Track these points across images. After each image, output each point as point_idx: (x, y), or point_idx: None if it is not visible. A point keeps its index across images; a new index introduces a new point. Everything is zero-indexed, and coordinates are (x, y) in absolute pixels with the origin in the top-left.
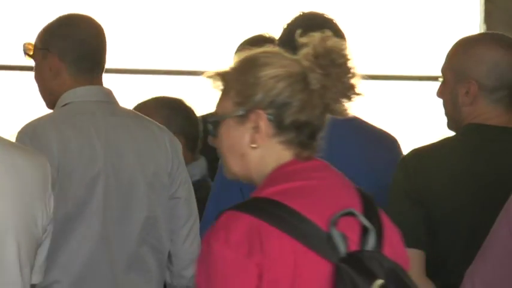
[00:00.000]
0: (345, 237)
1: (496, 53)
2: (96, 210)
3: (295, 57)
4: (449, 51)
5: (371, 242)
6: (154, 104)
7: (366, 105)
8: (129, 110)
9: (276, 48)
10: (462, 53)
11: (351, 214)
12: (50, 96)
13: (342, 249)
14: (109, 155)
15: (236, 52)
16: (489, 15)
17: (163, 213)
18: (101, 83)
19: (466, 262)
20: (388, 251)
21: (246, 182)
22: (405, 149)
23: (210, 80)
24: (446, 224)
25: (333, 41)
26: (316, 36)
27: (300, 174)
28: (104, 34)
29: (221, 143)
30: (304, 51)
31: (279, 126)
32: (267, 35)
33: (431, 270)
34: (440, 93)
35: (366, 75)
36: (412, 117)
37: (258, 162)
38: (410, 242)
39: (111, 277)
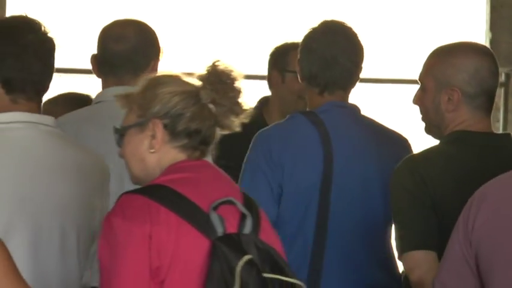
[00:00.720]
0: (222, 220)
1: (475, 60)
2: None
3: (190, 79)
4: (427, 60)
5: (248, 227)
6: (62, 100)
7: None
8: None
9: (176, 73)
10: (442, 61)
11: (231, 203)
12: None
13: (219, 229)
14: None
15: (270, 55)
16: (494, 24)
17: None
18: (130, 84)
19: None
20: (263, 237)
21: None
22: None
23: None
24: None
25: (223, 65)
26: (211, 62)
27: (188, 168)
28: (138, 39)
29: (125, 151)
30: (198, 74)
31: (173, 133)
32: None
33: None
34: (419, 100)
35: (388, 79)
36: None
37: (156, 165)
38: (425, 244)
39: None
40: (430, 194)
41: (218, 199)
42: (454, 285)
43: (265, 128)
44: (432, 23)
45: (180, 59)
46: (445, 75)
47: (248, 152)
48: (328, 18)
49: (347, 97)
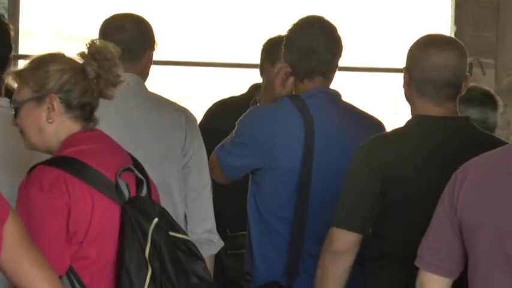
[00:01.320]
0: (128, 186)
1: (425, 51)
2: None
3: (73, 56)
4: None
5: (144, 191)
6: None
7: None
8: (155, 94)
9: (59, 51)
10: (409, 54)
11: (129, 169)
12: None
13: (126, 194)
14: (126, 131)
15: (262, 48)
16: (459, 19)
17: (177, 180)
18: (133, 72)
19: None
20: (154, 197)
21: (44, 152)
22: None
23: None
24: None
25: (101, 42)
26: (88, 39)
27: (86, 140)
28: (137, 29)
29: (22, 123)
30: (79, 51)
31: (68, 106)
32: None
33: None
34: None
35: (358, 68)
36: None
37: (54, 134)
38: (350, 224)
39: None
40: (379, 176)
41: (120, 167)
42: (441, 249)
43: (254, 107)
44: (402, 17)
45: (175, 49)
46: (407, 63)
47: (237, 126)
48: (309, 14)
49: (328, 83)
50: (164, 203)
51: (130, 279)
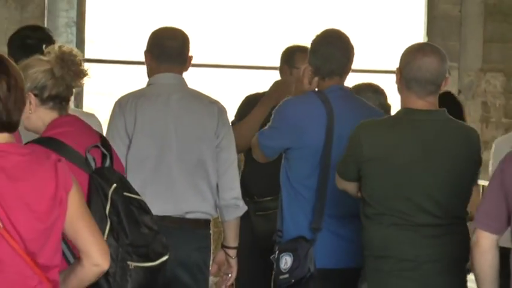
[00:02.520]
0: (94, 159)
1: (414, 55)
2: (167, 152)
3: (46, 59)
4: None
5: (107, 163)
6: None
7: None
8: (194, 89)
9: (38, 56)
10: (403, 57)
11: (96, 147)
12: (149, 78)
13: (93, 165)
14: (172, 120)
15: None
16: (430, 31)
17: (211, 156)
18: (181, 72)
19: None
20: (116, 167)
21: (33, 132)
22: None
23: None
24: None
25: (66, 48)
26: (56, 45)
27: (65, 124)
28: (183, 39)
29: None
30: (51, 56)
31: (42, 99)
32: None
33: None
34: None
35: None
36: None
37: (37, 121)
38: (346, 177)
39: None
40: (362, 151)
41: (89, 145)
42: (492, 212)
43: (286, 99)
44: (386, 31)
45: (247, 54)
46: (400, 64)
47: (273, 115)
48: (328, 27)
49: (343, 82)
50: (200, 175)
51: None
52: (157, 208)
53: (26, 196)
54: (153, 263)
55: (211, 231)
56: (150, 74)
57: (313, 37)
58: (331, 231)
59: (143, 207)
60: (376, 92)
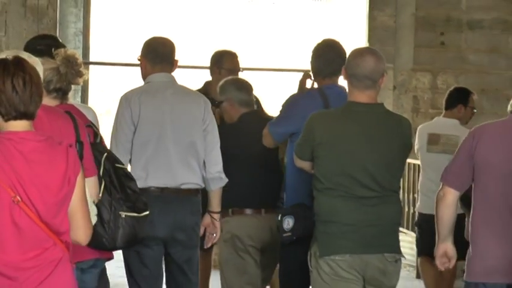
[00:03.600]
0: (89, 135)
1: (357, 57)
2: (164, 136)
3: (53, 60)
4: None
5: (98, 139)
6: None
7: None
8: (182, 85)
9: (47, 58)
10: (348, 58)
11: (89, 126)
12: (144, 78)
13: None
14: (168, 110)
15: None
16: (370, 38)
17: (199, 138)
18: (170, 72)
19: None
20: (102, 144)
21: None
22: None
23: None
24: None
25: (70, 51)
26: (63, 49)
27: (65, 108)
28: (171, 46)
29: None
30: (58, 57)
31: (47, 90)
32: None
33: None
34: None
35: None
36: None
37: (48, 103)
38: (302, 157)
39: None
40: (314, 136)
41: (84, 125)
42: (458, 172)
43: (291, 95)
44: (336, 38)
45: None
46: (346, 64)
47: (281, 107)
48: (327, 37)
49: (337, 81)
50: (191, 154)
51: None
52: (158, 181)
53: (41, 176)
54: (138, 214)
55: (200, 199)
56: (145, 74)
57: (315, 45)
58: None
59: (128, 175)
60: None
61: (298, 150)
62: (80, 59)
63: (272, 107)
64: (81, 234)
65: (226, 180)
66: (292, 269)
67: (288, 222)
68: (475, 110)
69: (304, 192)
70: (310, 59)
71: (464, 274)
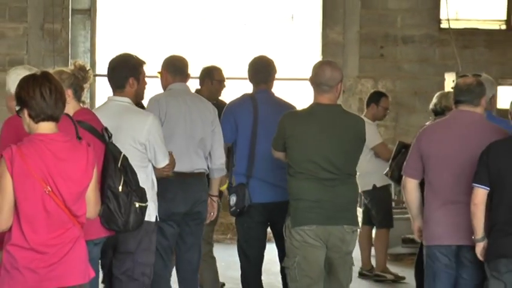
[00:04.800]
0: (106, 134)
1: (319, 68)
2: (183, 131)
3: (69, 69)
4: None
5: (112, 139)
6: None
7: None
8: (196, 94)
9: (63, 68)
10: (312, 69)
11: (105, 129)
12: (164, 87)
13: (107, 139)
14: (187, 111)
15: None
16: (324, 53)
17: (208, 136)
18: (184, 82)
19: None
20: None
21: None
22: None
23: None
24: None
25: (82, 62)
26: (79, 60)
27: (87, 113)
28: (186, 62)
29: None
30: (73, 67)
31: (75, 95)
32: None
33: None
34: None
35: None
36: None
37: (71, 105)
38: (277, 148)
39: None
40: (285, 131)
41: (102, 127)
42: (414, 166)
43: (232, 100)
44: (297, 53)
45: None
46: (311, 73)
47: (223, 113)
48: (259, 54)
49: (269, 87)
50: (201, 147)
51: (112, 180)
52: (180, 165)
53: (67, 170)
54: (145, 204)
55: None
56: (165, 84)
57: (251, 60)
58: (259, 179)
59: (134, 171)
60: None
61: (274, 143)
62: (88, 67)
63: None
64: (92, 211)
65: (226, 171)
66: (245, 234)
67: (233, 199)
68: (388, 111)
69: (243, 174)
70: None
71: (423, 240)
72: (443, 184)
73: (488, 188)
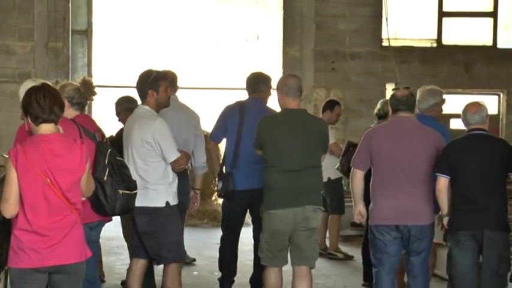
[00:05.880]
0: (97, 136)
1: (287, 79)
2: (177, 134)
3: (76, 83)
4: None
5: (104, 140)
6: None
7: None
8: (183, 103)
9: (70, 81)
10: (280, 80)
11: (99, 130)
12: None
13: (98, 140)
14: (175, 118)
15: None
16: (284, 67)
17: (192, 138)
18: (174, 93)
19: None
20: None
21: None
22: None
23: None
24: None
25: (88, 78)
26: (86, 77)
27: (85, 117)
28: (176, 76)
29: None
30: (80, 80)
31: (72, 103)
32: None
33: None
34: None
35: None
36: None
37: (69, 115)
38: (257, 147)
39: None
40: (261, 133)
41: (94, 130)
42: (362, 159)
43: (228, 105)
44: (263, 68)
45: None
46: (277, 84)
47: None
48: (255, 71)
49: (261, 96)
50: (185, 146)
51: (99, 172)
52: None
53: (63, 164)
54: (131, 192)
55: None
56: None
57: (248, 75)
58: (241, 170)
59: (124, 165)
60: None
61: (255, 142)
62: (93, 83)
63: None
64: (85, 193)
65: (207, 168)
66: (228, 215)
67: (220, 185)
68: (340, 117)
69: (229, 165)
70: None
71: (369, 220)
72: (390, 174)
73: (449, 177)
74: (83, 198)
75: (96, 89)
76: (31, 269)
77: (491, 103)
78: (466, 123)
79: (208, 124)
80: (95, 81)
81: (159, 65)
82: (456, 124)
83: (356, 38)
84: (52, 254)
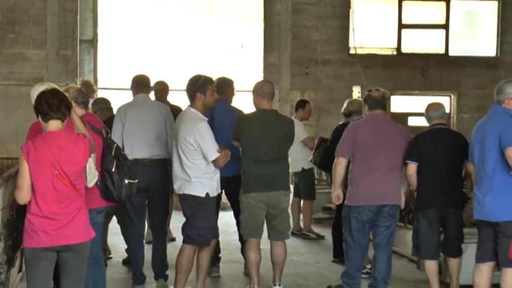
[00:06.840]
0: (103, 132)
1: (263, 84)
2: (138, 129)
3: (77, 86)
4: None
5: (110, 135)
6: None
7: None
8: (156, 101)
9: (71, 84)
10: (256, 85)
11: (104, 127)
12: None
13: (104, 135)
14: (143, 114)
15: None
16: (265, 72)
17: (163, 131)
18: (147, 93)
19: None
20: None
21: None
22: None
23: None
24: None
25: (88, 79)
26: (84, 77)
27: (90, 115)
28: (148, 79)
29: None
30: (81, 81)
31: (77, 103)
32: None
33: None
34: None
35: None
36: None
37: (77, 113)
38: (236, 139)
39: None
40: (239, 128)
41: (101, 126)
42: (346, 148)
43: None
44: (245, 72)
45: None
46: (253, 88)
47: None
48: (222, 75)
49: (226, 97)
50: (159, 139)
51: (107, 164)
52: (139, 154)
53: (70, 156)
54: (134, 181)
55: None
56: (134, 94)
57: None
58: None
59: (127, 158)
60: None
61: (233, 136)
62: (93, 83)
63: None
64: (88, 180)
65: None
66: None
67: None
68: (311, 113)
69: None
70: None
71: (346, 201)
72: (372, 162)
73: (417, 163)
74: (90, 185)
75: (96, 87)
76: (42, 248)
77: (444, 103)
78: (428, 119)
79: None
80: (100, 84)
81: (155, 70)
82: (413, 121)
83: (327, 46)
84: (60, 234)
